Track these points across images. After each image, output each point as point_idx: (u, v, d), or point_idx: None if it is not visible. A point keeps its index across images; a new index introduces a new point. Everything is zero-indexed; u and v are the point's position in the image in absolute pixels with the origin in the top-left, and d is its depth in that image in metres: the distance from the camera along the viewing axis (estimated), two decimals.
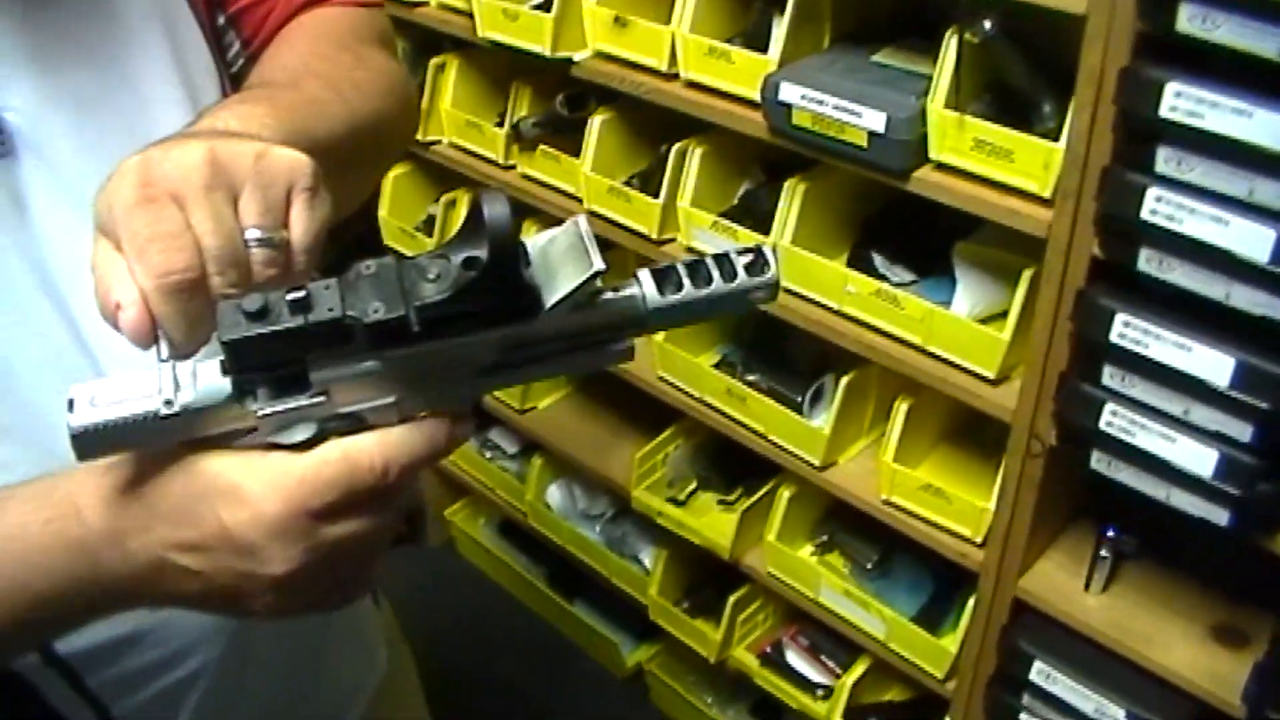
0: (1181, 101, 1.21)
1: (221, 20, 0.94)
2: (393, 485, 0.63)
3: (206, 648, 0.88)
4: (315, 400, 0.61)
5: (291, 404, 0.61)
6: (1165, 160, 1.25)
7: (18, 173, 0.74)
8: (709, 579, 2.19)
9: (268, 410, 0.61)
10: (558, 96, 1.92)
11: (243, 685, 0.93)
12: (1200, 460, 1.34)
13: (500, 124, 2.06)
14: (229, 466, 0.61)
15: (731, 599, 2.08)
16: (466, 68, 2.12)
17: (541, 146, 1.98)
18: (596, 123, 1.88)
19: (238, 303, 0.58)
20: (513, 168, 2.06)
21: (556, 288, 0.61)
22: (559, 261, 0.62)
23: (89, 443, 0.59)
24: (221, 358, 0.60)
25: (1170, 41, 1.20)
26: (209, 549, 0.61)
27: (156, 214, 0.59)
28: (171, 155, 0.61)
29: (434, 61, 2.12)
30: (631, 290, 0.64)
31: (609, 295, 0.63)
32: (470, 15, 1.90)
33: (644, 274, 0.64)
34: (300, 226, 0.64)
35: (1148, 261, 1.30)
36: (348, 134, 0.86)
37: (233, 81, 0.93)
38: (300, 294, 0.58)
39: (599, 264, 0.60)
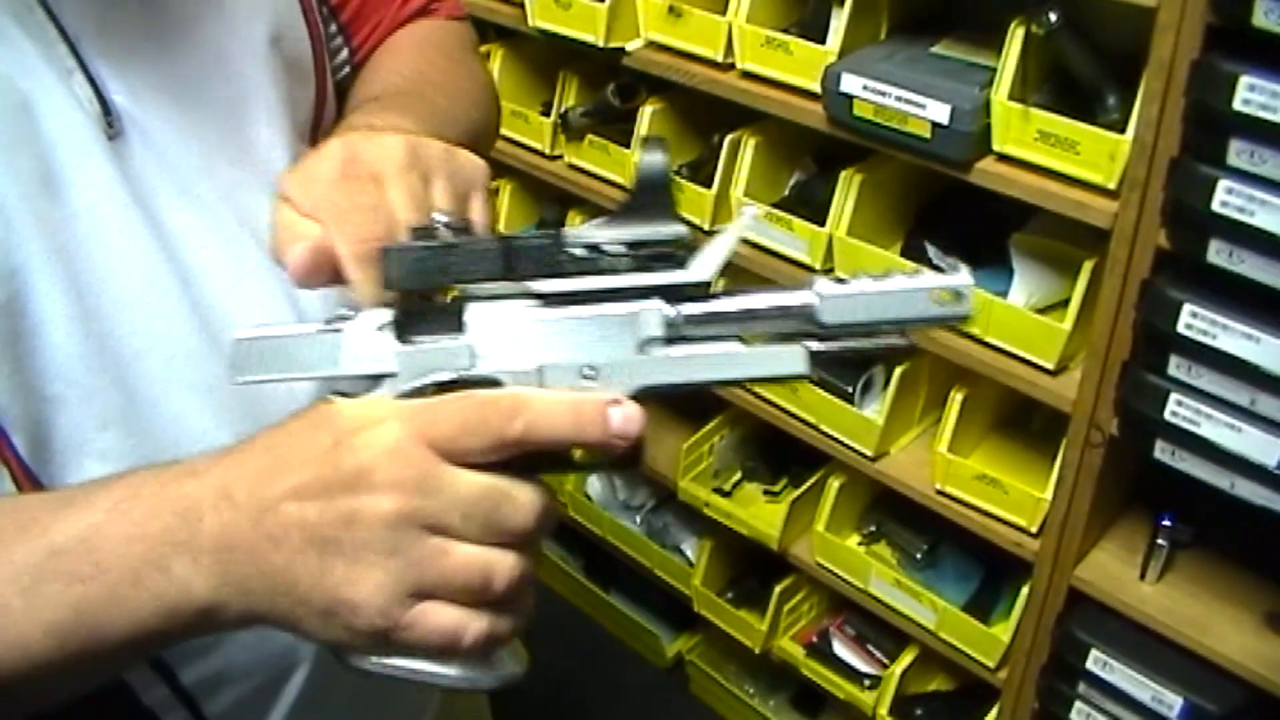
0: (1255, 95, 1.22)
1: (333, 28, 0.96)
2: (526, 441, 0.58)
3: (304, 644, 0.87)
4: (460, 343, 0.62)
5: (435, 341, 0.62)
6: (1237, 153, 1.26)
7: (128, 154, 0.75)
8: (752, 569, 2.20)
9: (413, 343, 0.62)
10: (609, 86, 1.92)
11: (335, 683, 0.93)
12: (1266, 450, 1.34)
13: (545, 113, 2.06)
14: (356, 406, 0.60)
15: (777, 589, 2.09)
16: (511, 57, 2.12)
17: (589, 136, 1.99)
18: (648, 113, 1.89)
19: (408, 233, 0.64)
20: (559, 158, 2.06)
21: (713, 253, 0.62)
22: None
23: (246, 354, 0.63)
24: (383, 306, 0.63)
25: (1242, 35, 1.21)
26: (318, 484, 0.58)
27: (359, 188, 0.65)
28: (373, 140, 0.68)
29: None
30: (806, 288, 0.63)
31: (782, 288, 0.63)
32: (520, 4, 1.91)
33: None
34: (480, 219, 0.69)
35: (1217, 253, 1.30)
36: (467, 143, 0.88)
37: (337, 90, 0.95)
38: (462, 225, 0.65)
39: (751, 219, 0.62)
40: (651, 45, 1.79)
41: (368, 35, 0.97)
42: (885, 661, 2.04)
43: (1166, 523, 1.59)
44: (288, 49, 0.87)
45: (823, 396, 1.81)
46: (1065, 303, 1.55)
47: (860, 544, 1.98)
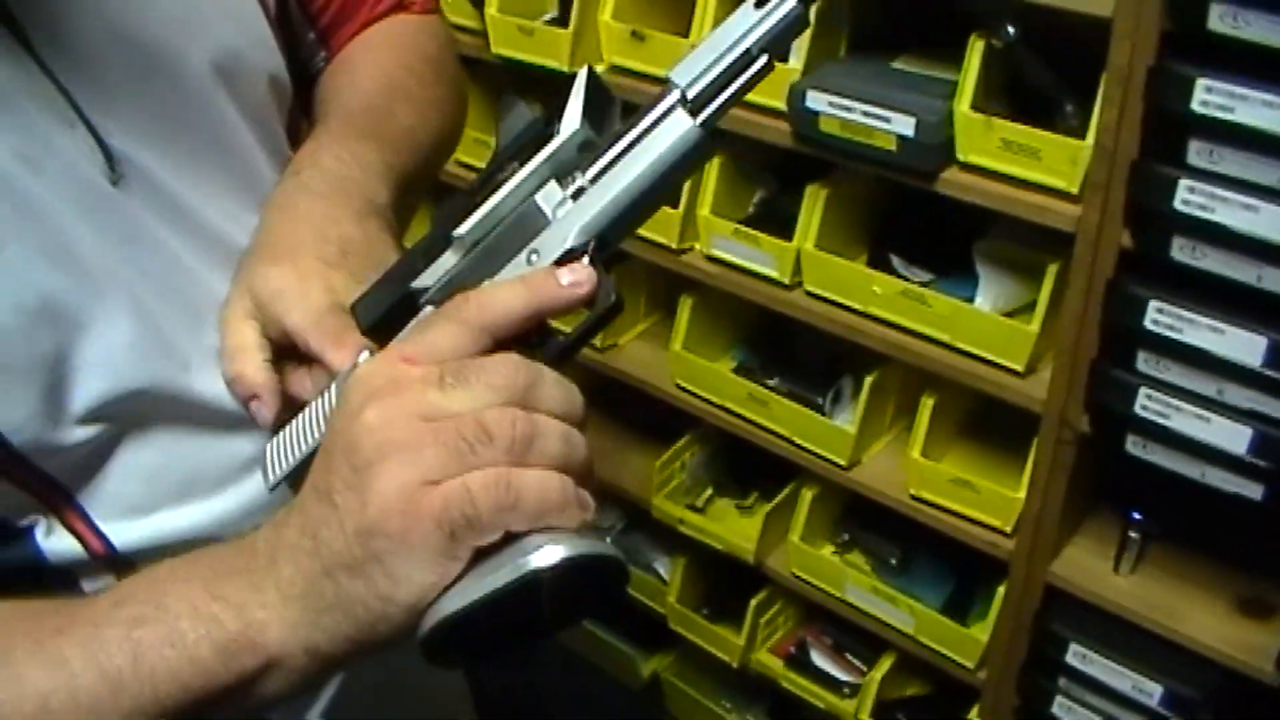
0: (1212, 96, 1.27)
1: (311, 36, 0.97)
2: (492, 324, 0.62)
3: None
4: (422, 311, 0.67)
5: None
6: (1197, 153, 1.31)
7: (130, 198, 0.75)
8: (725, 584, 2.22)
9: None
10: None
11: (370, 684, 0.94)
12: (1234, 438, 1.39)
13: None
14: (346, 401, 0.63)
15: (753, 602, 2.11)
16: (473, 84, 2.13)
17: None
18: None
19: None
20: None
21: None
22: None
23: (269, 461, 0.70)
24: None
25: (1195, 39, 1.26)
26: (329, 456, 0.59)
27: (344, 317, 0.71)
28: (347, 297, 0.71)
29: None
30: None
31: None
32: (482, 33, 1.93)
33: None
34: None
35: (1180, 250, 1.35)
36: (430, 157, 0.94)
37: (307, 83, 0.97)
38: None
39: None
40: (615, 70, 1.82)
41: (345, 39, 0.99)
42: (863, 668, 2.07)
43: (1137, 516, 1.64)
44: (256, 64, 0.87)
45: (795, 409, 1.84)
46: (1030, 306, 1.60)
47: (834, 553, 2.01)
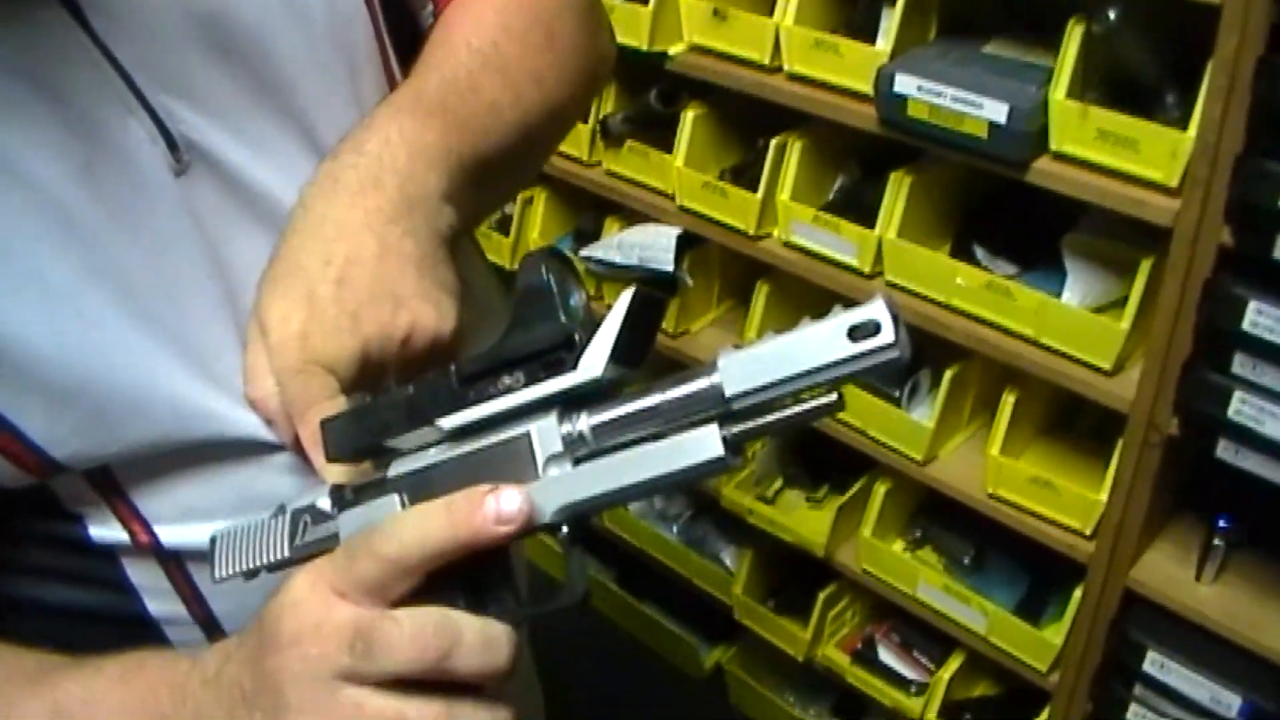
0: None
1: None
2: (405, 558, 0.58)
3: None
4: (387, 498, 0.64)
5: (369, 504, 0.64)
6: None
7: (197, 187, 0.72)
8: (792, 577, 2.19)
9: (349, 510, 0.65)
10: (651, 91, 1.91)
11: None
12: None
13: (584, 119, 2.06)
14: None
15: (821, 596, 2.08)
16: None
17: (629, 142, 1.98)
18: (689, 117, 1.88)
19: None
20: (597, 165, 2.06)
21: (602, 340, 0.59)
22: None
23: (219, 553, 0.69)
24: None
25: None
26: (255, 667, 0.61)
27: (311, 383, 0.69)
28: (330, 342, 0.69)
29: None
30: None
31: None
32: None
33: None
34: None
35: None
36: (519, 140, 0.85)
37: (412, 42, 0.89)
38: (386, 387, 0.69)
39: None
40: (695, 49, 1.79)
41: None
42: (931, 667, 2.03)
43: (1223, 523, 1.58)
44: (338, 27, 0.81)
45: (870, 401, 1.80)
46: (1119, 303, 1.55)
47: (906, 550, 1.97)
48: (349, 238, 0.71)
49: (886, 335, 0.52)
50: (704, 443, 0.56)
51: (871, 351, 0.52)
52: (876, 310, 0.52)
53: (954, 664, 1.96)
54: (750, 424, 0.56)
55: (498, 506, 0.58)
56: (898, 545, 1.98)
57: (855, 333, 0.52)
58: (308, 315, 0.69)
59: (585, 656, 2.52)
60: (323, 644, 0.57)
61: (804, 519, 2.05)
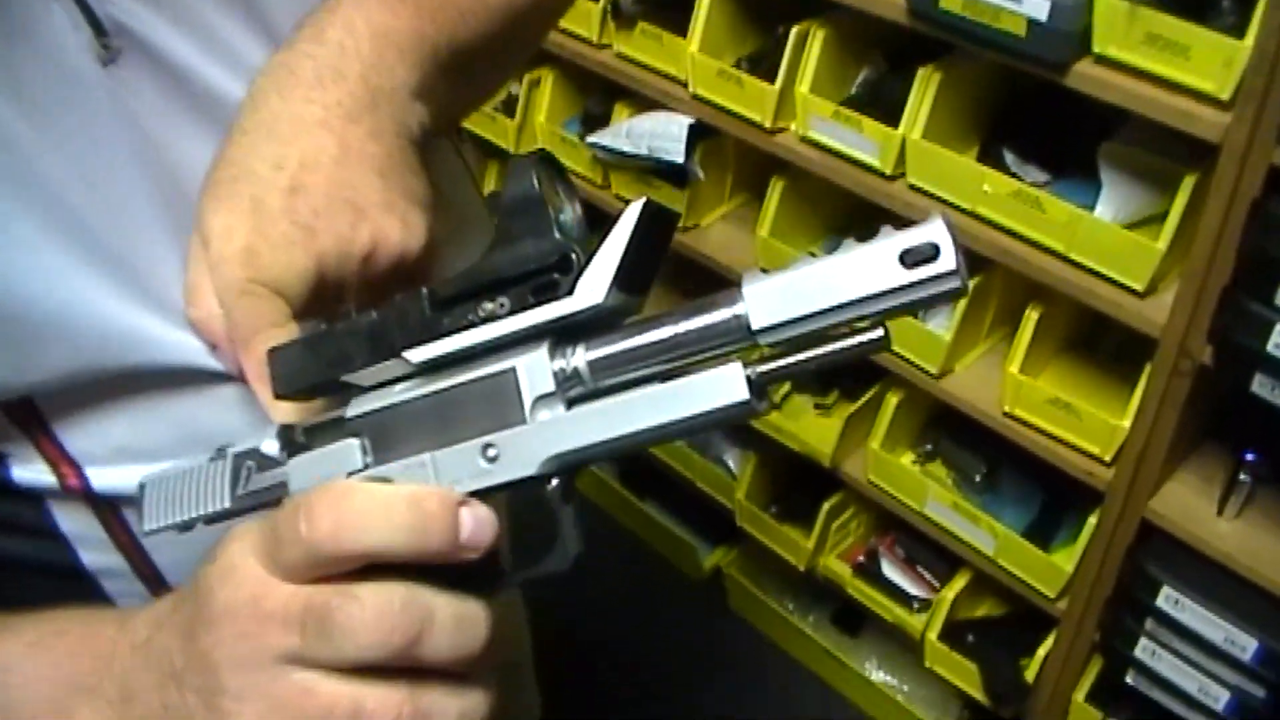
0: None
1: None
2: (343, 552, 0.48)
3: None
4: (346, 443, 0.55)
5: (324, 447, 0.56)
6: None
7: (128, 77, 0.63)
8: (796, 484, 2.12)
9: (303, 454, 0.57)
10: None
11: None
12: None
13: None
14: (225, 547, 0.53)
15: (825, 506, 2.02)
16: None
17: (641, 24, 1.86)
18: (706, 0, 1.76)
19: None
20: (607, 47, 1.94)
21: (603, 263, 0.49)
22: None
23: (149, 500, 0.62)
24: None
25: None
26: (189, 642, 0.52)
27: (257, 307, 0.61)
28: (279, 258, 0.61)
29: None
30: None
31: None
32: None
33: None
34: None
35: None
36: (503, 24, 0.75)
37: None
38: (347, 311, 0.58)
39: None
40: None
41: None
42: (935, 584, 1.97)
43: (1250, 457, 1.50)
44: None
45: None
46: (1156, 220, 1.44)
47: (915, 463, 1.90)
48: (304, 138, 0.62)
49: (947, 261, 0.44)
50: (725, 384, 0.47)
51: (928, 280, 0.44)
52: (935, 231, 0.44)
53: (959, 582, 1.90)
54: (780, 363, 0.47)
55: (474, 526, 0.49)
56: (907, 458, 1.91)
57: (908, 257, 0.44)
58: (254, 227, 0.61)
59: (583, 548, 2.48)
60: (264, 621, 0.49)
61: (811, 426, 1.97)
